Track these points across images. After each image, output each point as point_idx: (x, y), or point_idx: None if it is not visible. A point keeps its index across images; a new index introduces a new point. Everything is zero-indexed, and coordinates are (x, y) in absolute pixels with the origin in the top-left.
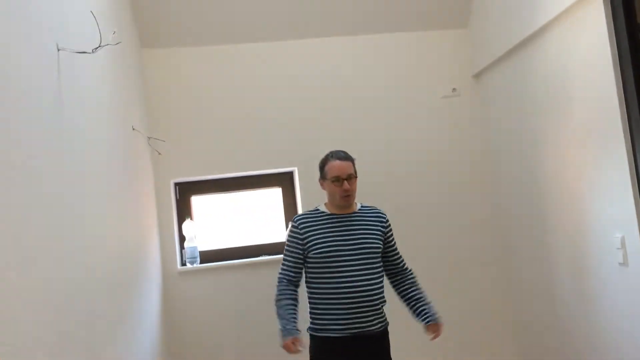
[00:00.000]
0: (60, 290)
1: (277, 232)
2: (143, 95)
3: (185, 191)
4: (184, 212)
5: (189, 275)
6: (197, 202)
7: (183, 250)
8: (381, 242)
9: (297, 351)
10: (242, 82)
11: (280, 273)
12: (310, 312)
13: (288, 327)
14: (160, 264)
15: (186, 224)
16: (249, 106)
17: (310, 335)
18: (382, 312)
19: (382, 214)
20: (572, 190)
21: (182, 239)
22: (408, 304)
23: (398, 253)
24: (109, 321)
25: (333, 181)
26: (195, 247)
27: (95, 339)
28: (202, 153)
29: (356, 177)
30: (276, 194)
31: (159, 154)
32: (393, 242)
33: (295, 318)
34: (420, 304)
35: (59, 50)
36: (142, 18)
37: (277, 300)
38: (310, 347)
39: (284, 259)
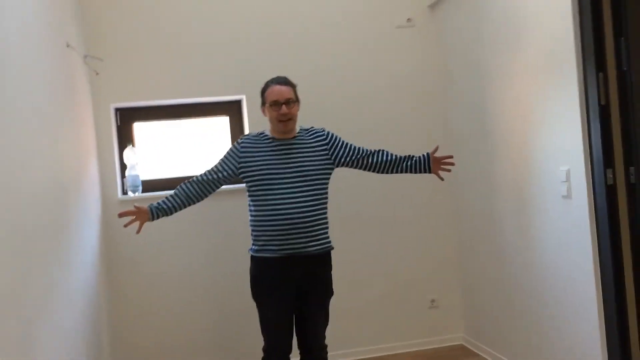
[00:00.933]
0: None
1: None
2: (80, 12)
3: (127, 117)
4: (125, 139)
5: (129, 204)
6: (140, 128)
7: (124, 179)
8: (324, 162)
9: (131, 214)
10: (190, 5)
11: (200, 174)
12: (252, 234)
13: (157, 203)
14: (99, 192)
15: (127, 152)
16: (197, 30)
17: (251, 256)
18: (320, 235)
19: (320, 131)
20: (521, 123)
21: (123, 167)
22: (405, 167)
23: (360, 147)
24: (44, 254)
25: (271, 105)
26: (137, 176)
27: (27, 266)
28: (145, 77)
29: (297, 101)
30: (223, 123)
31: (97, 74)
32: (346, 145)
33: (166, 202)
34: (408, 158)
35: None
36: None
37: (177, 188)
38: (250, 268)
39: (212, 166)
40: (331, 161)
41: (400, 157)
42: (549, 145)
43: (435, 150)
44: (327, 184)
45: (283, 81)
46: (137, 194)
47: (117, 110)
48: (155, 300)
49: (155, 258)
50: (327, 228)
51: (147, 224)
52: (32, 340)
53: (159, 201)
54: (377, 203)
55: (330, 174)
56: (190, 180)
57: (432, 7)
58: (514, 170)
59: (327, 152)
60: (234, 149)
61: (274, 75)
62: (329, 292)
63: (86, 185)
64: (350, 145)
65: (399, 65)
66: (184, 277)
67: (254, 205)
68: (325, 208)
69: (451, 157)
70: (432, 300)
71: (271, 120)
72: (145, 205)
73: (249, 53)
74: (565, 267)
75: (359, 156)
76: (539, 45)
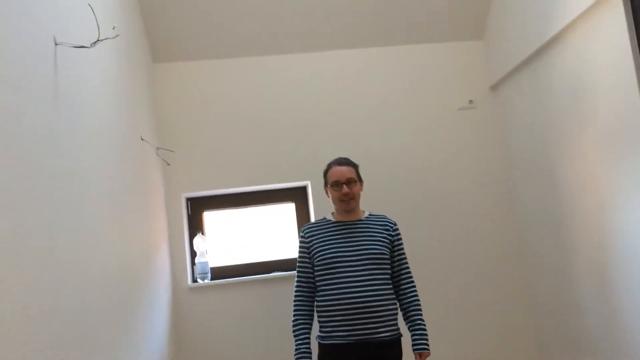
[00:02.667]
0: (56, 305)
1: (290, 248)
2: (153, 109)
3: (197, 206)
4: (195, 227)
5: (199, 291)
6: (209, 217)
7: (194, 266)
8: (388, 249)
9: None
10: (254, 96)
11: (295, 286)
12: (318, 320)
13: (301, 347)
14: (170, 280)
15: (197, 239)
16: (261, 120)
17: (318, 343)
18: (389, 321)
19: (390, 221)
20: (597, 201)
21: (193, 254)
22: (405, 323)
23: (403, 265)
24: (112, 338)
25: (333, 186)
26: (206, 263)
27: (94, 347)
28: (214, 167)
29: (358, 181)
30: (289, 209)
31: (168, 164)
32: (399, 252)
33: (307, 338)
34: (413, 329)
35: (56, 44)
36: (153, 31)
37: (293, 319)
38: (318, 355)
39: (297, 271)
40: (390, 252)
41: (405, 315)
42: (631, 221)
43: (417, 358)
44: (390, 269)
45: (344, 162)
46: (206, 280)
47: (187, 199)
48: None
49: (223, 345)
50: (396, 314)
51: (217, 315)
52: None
53: (302, 340)
54: (448, 290)
55: (388, 260)
56: (299, 300)
57: (494, 88)
58: (592, 250)
59: (390, 242)
60: (302, 242)
61: None
62: None
63: (157, 272)
64: (401, 256)
65: (461, 146)
66: None
67: (322, 289)
68: (393, 293)
69: None
70: None
71: (334, 201)
72: None
73: (313, 139)
74: None
75: (394, 269)
76: (608, 116)
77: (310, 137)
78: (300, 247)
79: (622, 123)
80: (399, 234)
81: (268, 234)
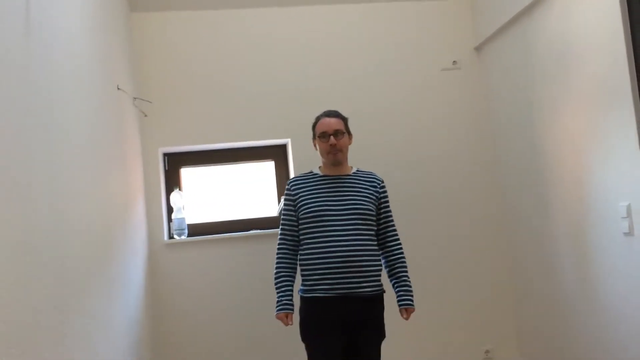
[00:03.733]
0: (33, 257)
1: (269, 206)
2: (131, 59)
3: (175, 162)
4: (172, 182)
5: (176, 247)
6: (187, 173)
7: (170, 223)
8: (374, 206)
9: (287, 324)
10: (236, 49)
11: (279, 239)
12: (301, 274)
13: (283, 300)
14: (146, 235)
15: (174, 195)
16: (243, 74)
17: (300, 296)
18: (373, 276)
19: (378, 178)
20: (576, 159)
21: (169, 210)
22: (390, 280)
23: (389, 222)
24: (86, 286)
25: (320, 137)
26: (183, 219)
27: (70, 308)
28: (192, 121)
29: (346, 133)
30: (269, 167)
31: (145, 115)
32: (386, 210)
33: (289, 291)
34: (399, 286)
35: None
36: None
37: (275, 271)
38: (300, 308)
39: (281, 223)
40: (376, 208)
41: (390, 272)
42: (606, 180)
43: (403, 314)
44: (376, 226)
45: (333, 114)
46: (182, 237)
47: (165, 154)
48: (199, 342)
49: (200, 303)
50: (380, 270)
51: (194, 271)
52: None
53: (284, 292)
54: (430, 247)
55: (374, 218)
56: (282, 253)
57: (478, 49)
58: (570, 209)
59: (376, 199)
60: (287, 195)
61: None
62: (382, 335)
63: (133, 226)
64: (387, 214)
65: (445, 106)
66: (233, 324)
67: (306, 242)
68: (378, 250)
69: (407, 319)
70: (487, 351)
71: (321, 153)
72: (283, 312)
73: (295, 96)
74: (631, 311)
75: (380, 226)
76: (591, 75)
77: (292, 94)
78: (285, 199)
79: (607, 84)
80: (385, 192)
81: (247, 192)
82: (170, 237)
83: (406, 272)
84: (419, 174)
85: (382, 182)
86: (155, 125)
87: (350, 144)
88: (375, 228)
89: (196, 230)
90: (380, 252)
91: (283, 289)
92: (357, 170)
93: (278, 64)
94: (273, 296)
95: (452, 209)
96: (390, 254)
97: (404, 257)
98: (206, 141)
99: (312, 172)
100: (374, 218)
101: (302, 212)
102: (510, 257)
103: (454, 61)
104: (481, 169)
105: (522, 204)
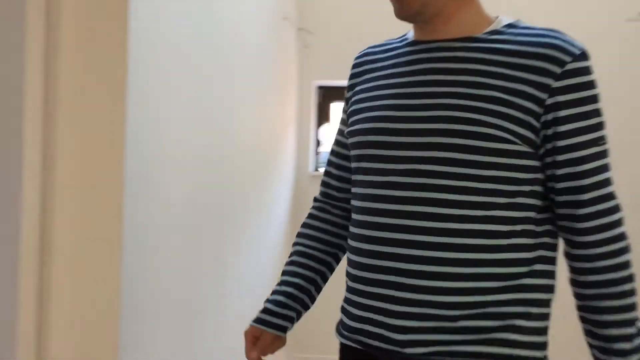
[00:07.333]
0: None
1: None
2: None
3: (327, 96)
4: (323, 116)
5: (319, 179)
6: (337, 108)
7: (317, 155)
8: (522, 124)
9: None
10: None
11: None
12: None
13: (266, 304)
14: (294, 165)
15: (323, 128)
16: None
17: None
18: (468, 315)
19: (563, 47)
20: None
21: (317, 143)
22: (581, 320)
23: (584, 182)
24: (244, 200)
25: None
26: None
27: (222, 232)
28: (351, 56)
29: None
30: None
31: (306, 47)
32: (576, 144)
33: (287, 290)
34: (592, 346)
35: None
36: None
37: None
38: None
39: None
40: (533, 134)
41: (583, 311)
42: None
43: None
44: (514, 170)
45: None
46: None
47: (319, 87)
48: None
49: None
50: (503, 299)
51: None
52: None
53: (273, 293)
54: None
55: (518, 153)
56: (309, 216)
57: None
58: None
59: (530, 112)
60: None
61: None
62: None
63: (283, 155)
64: (582, 159)
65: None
66: None
67: (352, 205)
68: (512, 244)
69: None
70: None
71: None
72: (251, 326)
73: None
74: None
75: (553, 192)
76: None
77: None
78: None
79: None
80: (581, 88)
81: None
82: (316, 169)
83: (616, 313)
84: None
85: (579, 57)
86: (314, 56)
87: None
88: (522, 187)
89: None
90: (531, 252)
91: (279, 284)
92: (507, 27)
93: None
94: None
95: None
96: (579, 262)
97: (614, 274)
98: None
99: (405, 36)
100: (516, 160)
101: (348, 131)
102: None
103: None
104: None
105: None
